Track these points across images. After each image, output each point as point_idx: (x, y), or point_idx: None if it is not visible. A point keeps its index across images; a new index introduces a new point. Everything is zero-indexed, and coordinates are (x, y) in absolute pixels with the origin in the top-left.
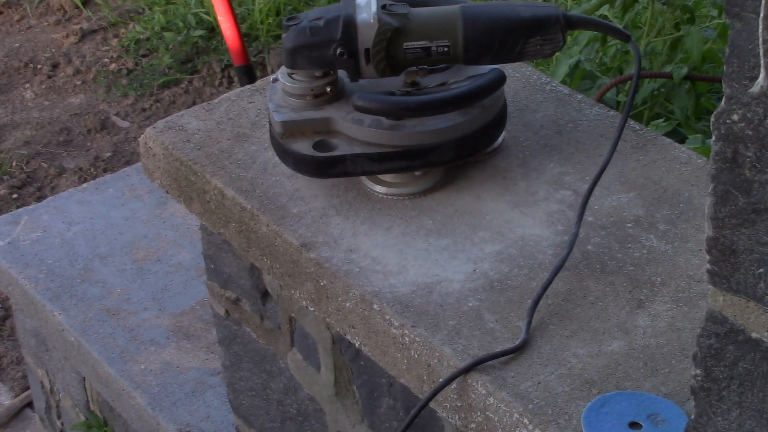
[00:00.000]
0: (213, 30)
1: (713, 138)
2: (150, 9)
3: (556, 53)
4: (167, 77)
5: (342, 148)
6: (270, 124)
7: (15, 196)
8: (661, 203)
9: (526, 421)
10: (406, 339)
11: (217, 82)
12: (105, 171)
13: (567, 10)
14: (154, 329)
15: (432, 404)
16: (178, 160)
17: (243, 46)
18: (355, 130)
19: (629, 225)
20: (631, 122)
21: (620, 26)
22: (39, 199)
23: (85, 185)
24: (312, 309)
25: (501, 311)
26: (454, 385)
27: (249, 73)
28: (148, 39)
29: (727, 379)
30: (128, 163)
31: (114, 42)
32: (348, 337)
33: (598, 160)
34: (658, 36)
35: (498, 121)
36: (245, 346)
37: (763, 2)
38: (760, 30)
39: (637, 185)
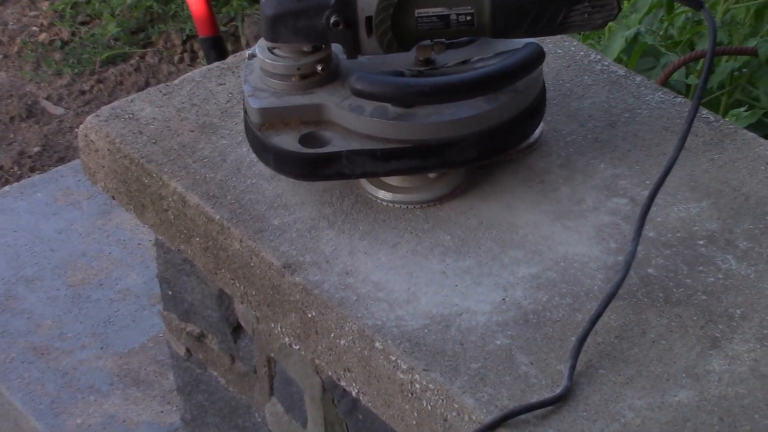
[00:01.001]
0: None
1: None
2: None
3: (609, 23)
4: (113, 51)
5: (336, 143)
6: (245, 111)
7: None
8: (742, 215)
9: None
10: (417, 386)
11: (176, 58)
12: (32, 170)
13: None
14: (94, 373)
15: None
16: (127, 158)
17: (210, 13)
18: (352, 120)
19: (701, 242)
20: (704, 111)
21: None
22: None
23: (6, 188)
24: (297, 348)
25: (537, 351)
26: None
27: (218, 47)
28: (88, 2)
29: None
30: (62, 160)
31: (44, 5)
32: (343, 383)
33: (661, 160)
34: (739, 2)
35: (534, 110)
36: (211, 394)
37: None
38: None
39: (711, 192)
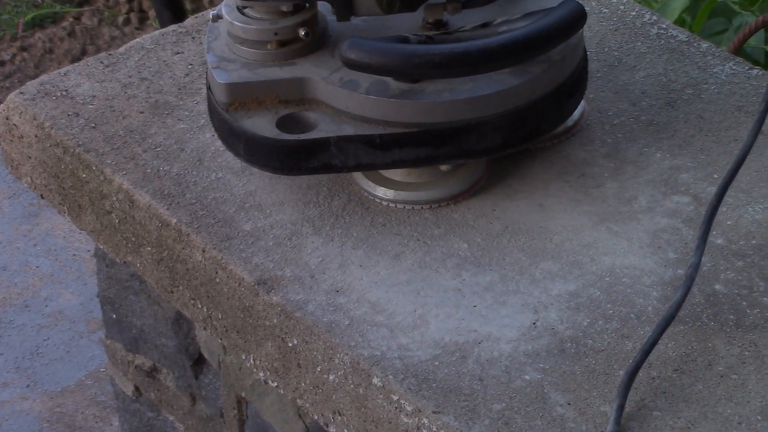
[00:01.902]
0: None
1: None
2: None
3: None
4: (40, 10)
5: (324, 128)
6: (209, 88)
7: None
8: None
9: None
10: None
11: (121, 20)
12: None
13: None
14: (18, 417)
15: None
16: (60, 146)
17: None
18: (345, 98)
19: None
20: None
21: None
22: None
23: None
24: (275, 385)
25: (576, 389)
26: None
27: (173, 5)
28: None
29: None
30: None
31: None
32: (332, 429)
33: (732, 148)
34: None
35: (573, 86)
36: None
37: None
38: None
39: None
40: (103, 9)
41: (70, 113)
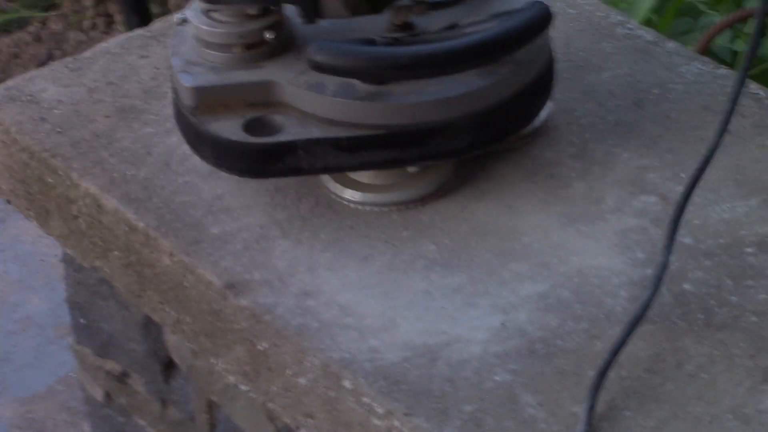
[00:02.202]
0: None
1: None
2: None
3: None
4: (5, 15)
5: (291, 130)
6: (175, 92)
7: None
8: None
9: None
10: None
11: (87, 24)
12: None
13: None
14: None
15: None
16: (26, 151)
17: None
18: (312, 100)
19: (750, 250)
20: (753, 86)
21: None
22: None
23: None
24: (245, 389)
25: (547, 390)
26: None
27: (140, 10)
28: None
29: None
30: None
31: None
32: None
33: (699, 147)
34: None
35: (540, 87)
36: None
37: None
38: None
39: (762, 187)
40: (69, 13)
41: (36, 118)
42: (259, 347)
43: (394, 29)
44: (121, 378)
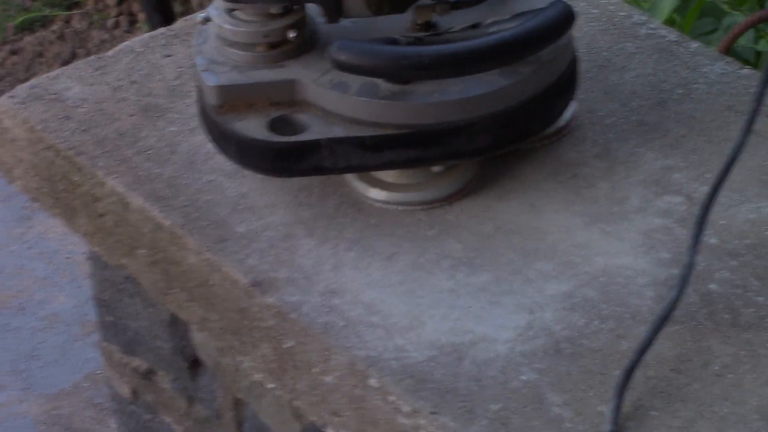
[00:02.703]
0: None
1: None
2: None
3: None
4: (29, 14)
5: (315, 129)
6: (199, 90)
7: None
8: None
9: None
10: None
11: (110, 23)
12: None
13: None
14: (14, 420)
15: None
16: (51, 149)
17: None
18: (335, 100)
19: None
20: None
21: None
22: None
23: None
24: (271, 386)
25: (572, 389)
26: None
27: (163, 8)
28: None
29: None
30: None
31: None
32: (330, 431)
33: (724, 148)
34: None
35: (563, 86)
36: None
37: None
38: None
39: None
40: (92, 12)
41: (61, 116)
42: (284, 345)
43: (416, 29)
44: (147, 375)
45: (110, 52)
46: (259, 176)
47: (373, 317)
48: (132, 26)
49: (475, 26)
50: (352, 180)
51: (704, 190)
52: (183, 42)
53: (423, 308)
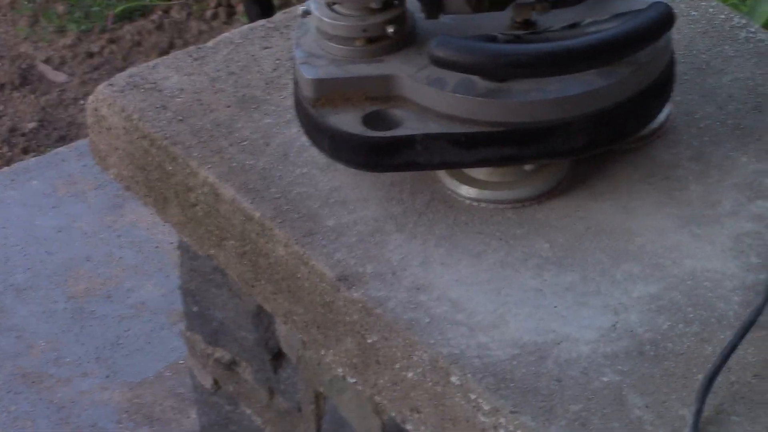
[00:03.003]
0: None
1: None
2: None
3: None
4: (129, 3)
5: (410, 125)
6: (296, 83)
7: None
8: None
9: None
10: None
11: (209, 14)
12: (26, 152)
13: None
14: (97, 407)
15: None
16: (147, 138)
17: None
18: (431, 96)
19: None
20: None
21: None
22: None
23: None
24: (353, 381)
25: (655, 391)
26: None
27: (262, 1)
28: None
29: None
30: (64, 139)
31: None
32: (409, 426)
33: None
34: None
35: (660, 88)
36: None
37: None
38: None
39: None
40: (191, 3)
41: (157, 106)
42: (368, 340)
43: (515, 27)
44: (230, 366)
45: (209, 43)
46: (352, 170)
47: (458, 314)
48: (231, 18)
49: (573, 26)
50: (443, 177)
51: None
52: (282, 35)
53: (508, 306)
